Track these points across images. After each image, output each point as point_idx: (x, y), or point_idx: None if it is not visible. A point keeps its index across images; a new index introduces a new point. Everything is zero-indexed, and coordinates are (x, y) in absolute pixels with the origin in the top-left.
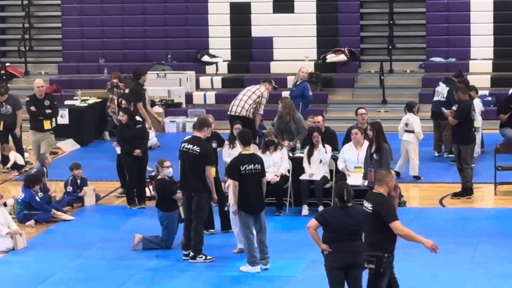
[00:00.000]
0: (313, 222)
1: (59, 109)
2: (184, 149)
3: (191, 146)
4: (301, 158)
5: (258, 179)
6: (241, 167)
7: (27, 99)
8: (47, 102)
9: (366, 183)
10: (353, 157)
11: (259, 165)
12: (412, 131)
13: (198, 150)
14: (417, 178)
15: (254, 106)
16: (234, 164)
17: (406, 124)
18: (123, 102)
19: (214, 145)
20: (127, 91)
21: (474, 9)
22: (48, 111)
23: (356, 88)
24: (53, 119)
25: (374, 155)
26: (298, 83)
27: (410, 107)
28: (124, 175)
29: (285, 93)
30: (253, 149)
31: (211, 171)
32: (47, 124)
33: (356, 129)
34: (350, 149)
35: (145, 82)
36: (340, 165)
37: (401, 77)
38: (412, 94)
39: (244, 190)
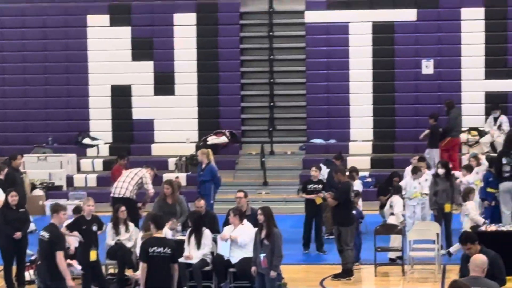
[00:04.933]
0: None
1: None
2: (39, 237)
3: (42, 232)
4: (182, 241)
5: (167, 263)
6: (150, 249)
7: None
8: None
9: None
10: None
11: (170, 249)
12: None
13: (47, 236)
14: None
15: (137, 188)
16: (143, 246)
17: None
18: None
19: (94, 228)
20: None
21: (353, 91)
22: None
23: (237, 170)
24: None
25: (265, 241)
26: (204, 166)
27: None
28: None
29: (167, 175)
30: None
31: (61, 257)
32: None
33: (230, 211)
34: (228, 231)
35: (19, 166)
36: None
37: (282, 159)
38: (293, 175)
39: (150, 273)
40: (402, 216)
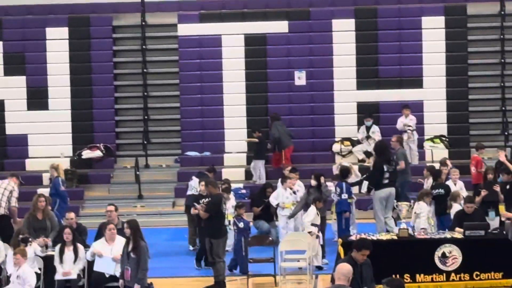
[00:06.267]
0: None
1: None
2: None
3: None
4: (53, 256)
5: None
6: None
7: None
8: None
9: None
10: (106, 253)
11: None
12: None
13: None
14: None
15: (7, 202)
16: None
17: None
18: None
19: None
20: None
21: (227, 103)
22: None
23: (112, 184)
24: None
25: (131, 254)
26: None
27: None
28: None
29: (41, 190)
30: None
31: None
32: None
33: (112, 225)
34: (102, 245)
35: None
36: (89, 258)
37: (157, 172)
38: (168, 188)
39: None
40: (314, 226)
